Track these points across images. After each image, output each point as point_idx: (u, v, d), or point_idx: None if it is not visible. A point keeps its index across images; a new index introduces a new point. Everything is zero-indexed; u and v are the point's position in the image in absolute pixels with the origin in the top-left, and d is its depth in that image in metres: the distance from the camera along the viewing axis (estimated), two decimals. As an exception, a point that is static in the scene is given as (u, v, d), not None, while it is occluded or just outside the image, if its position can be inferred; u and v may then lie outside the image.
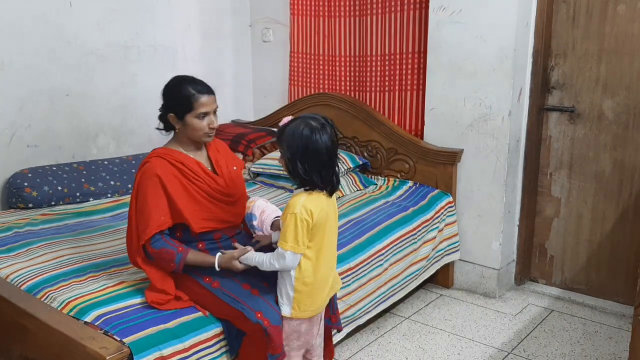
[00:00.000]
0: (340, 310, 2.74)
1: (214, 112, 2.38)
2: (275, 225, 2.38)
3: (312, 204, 2.10)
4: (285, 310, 2.20)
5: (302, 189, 2.16)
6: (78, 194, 3.48)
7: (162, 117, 2.42)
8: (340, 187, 3.59)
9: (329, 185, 2.15)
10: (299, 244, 2.10)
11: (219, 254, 2.32)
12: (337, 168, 2.18)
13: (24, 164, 3.48)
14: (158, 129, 2.46)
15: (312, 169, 2.10)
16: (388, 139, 3.85)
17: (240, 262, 2.27)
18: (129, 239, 2.36)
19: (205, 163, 2.45)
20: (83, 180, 3.53)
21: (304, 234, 2.10)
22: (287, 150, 2.12)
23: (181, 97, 2.32)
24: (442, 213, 3.53)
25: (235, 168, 2.56)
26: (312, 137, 2.07)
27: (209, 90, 2.37)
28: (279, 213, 2.43)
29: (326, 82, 4.31)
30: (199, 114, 2.32)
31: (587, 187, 3.49)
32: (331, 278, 2.30)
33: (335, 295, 2.44)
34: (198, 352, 2.17)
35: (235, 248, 2.35)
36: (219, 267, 2.29)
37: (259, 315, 2.16)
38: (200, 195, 2.36)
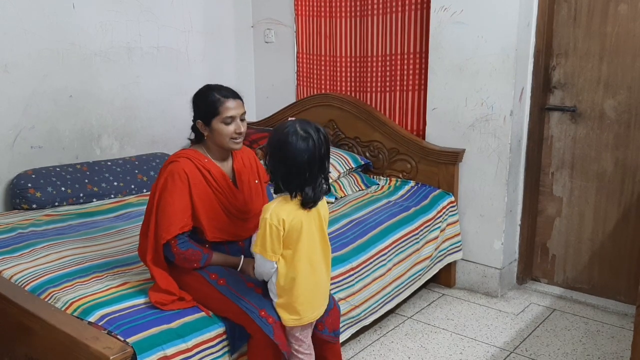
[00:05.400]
0: (344, 311, 2.75)
1: (241, 117, 2.37)
2: None
3: (285, 212, 2.09)
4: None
5: (280, 193, 2.15)
6: (81, 195, 3.50)
7: (193, 127, 2.43)
8: (342, 187, 3.64)
9: (295, 193, 2.11)
10: (266, 249, 2.11)
11: (243, 257, 2.41)
12: (317, 182, 2.11)
13: (28, 165, 3.50)
14: (190, 139, 2.48)
15: (277, 171, 2.11)
16: (390, 139, 3.85)
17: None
18: (143, 234, 2.38)
19: (228, 174, 2.46)
20: (86, 181, 3.54)
21: (272, 241, 2.09)
22: (266, 145, 2.17)
23: (207, 102, 2.33)
24: (444, 213, 3.54)
25: (257, 181, 2.56)
26: (287, 140, 2.07)
27: (234, 95, 2.36)
28: None
29: (328, 82, 4.32)
30: (225, 119, 2.32)
31: (589, 186, 3.49)
32: (319, 292, 2.27)
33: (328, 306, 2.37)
34: (201, 352, 2.18)
35: (242, 249, 2.45)
36: (240, 270, 2.39)
37: (262, 313, 2.18)
38: (219, 206, 2.38)
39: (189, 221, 2.31)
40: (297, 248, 2.15)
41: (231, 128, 2.34)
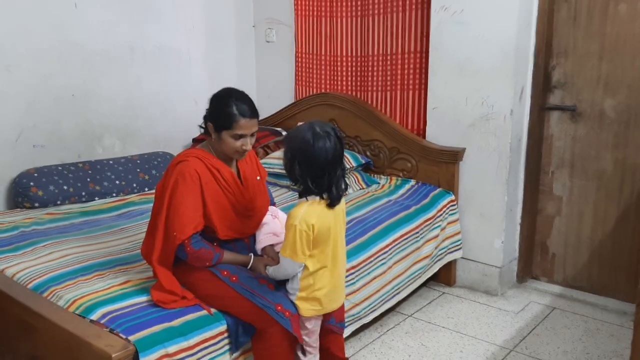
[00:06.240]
0: (345, 309, 2.76)
1: (252, 134, 2.37)
2: (265, 251, 2.48)
3: (313, 216, 2.13)
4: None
5: (304, 197, 2.19)
6: (84, 194, 3.51)
7: (205, 121, 2.42)
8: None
9: (324, 193, 2.16)
10: (297, 253, 2.15)
11: (252, 255, 2.44)
12: (339, 180, 2.17)
13: (30, 164, 3.51)
14: (200, 126, 2.47)
15: (306, 174, 2.13)
16: (390, 138, 3.87)
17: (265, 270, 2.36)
18: (149, 234, 2.39)
19: (234, 172, 2.48)
20: (89, 179, 3.56)
21: (302, 245, 2.14)
22: (287, 151, 2.18)
23: (223, 113, 2.31)
24: (444, 211, 3.55)
25: (258, 178, 2.58)
26: (311, 142, 2.10)
27: (252, 114, 2.34)
28: (272, 241, 2.50)
29: (329, 81, 4.33)
30: (235, 135, 2.32)
31: (589, 185, 3.50)
32: (340, 283, 2.34)
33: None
34: (203, 350, 2.20)
35: (248, 246, 2.50)
36: (250, 268, 2.41)
37: (279, 307, 2.21)
38: (228, 205, 2.40)
39: (201, 220, 2.32)
40: (325, 246, 2.20)
41: (238, 143, 2.34)
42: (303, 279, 2.23)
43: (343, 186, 2.22)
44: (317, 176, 2.13)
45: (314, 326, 2.32)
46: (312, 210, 2.15)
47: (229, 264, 2.39)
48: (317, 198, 2.17)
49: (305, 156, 2.12)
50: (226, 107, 2.31)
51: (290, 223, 2.14)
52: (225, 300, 2.31)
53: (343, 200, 2.29)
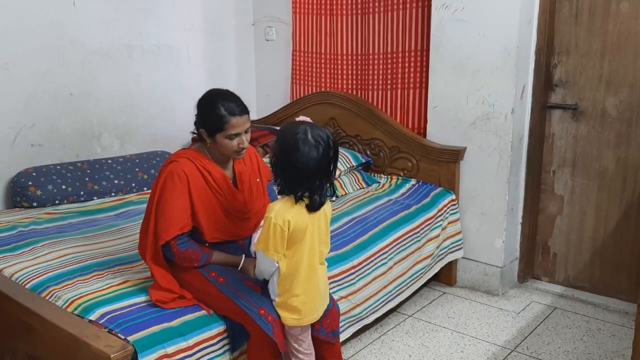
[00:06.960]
0: (346, 310, 2.74)
1: (246, 131, 2.34)
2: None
3: (290, 213, 2.09)
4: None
5: (284, 194, 2.15)
6: (82, 193, 3.50)
7: (197, 127, 2.39)
8: (343, 185, 3.64)
9: (300, 196, 2.10)
10: (268, 248, 2.10)
11: (244, 257, 2.41)
12: (322, 187, 2.11)
13: (29, 163, 3.49)
14: (193, 132, 2.44)
15: (283, 174, 2.09)
16: (391, 137, 3.85)
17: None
18: (143, 233, 2.38)
19: (229, 175, 2.45)
20: (87, 179, 3.54)
21: (275, 240, 2.09)
22: (274, 145, 2.15)
23: (213, 116, 2.28)
24: (445, 211, 3.54)
25: (258, 180, 2.55)
26: (297, 146, 2.04)
27: (241, 111, 2.30)
28: None
29: (329, 80, 4.31)
30: (230, 135, 2.29)
31: (591, 184, 3.48)
32: (320, 292, 2.27)
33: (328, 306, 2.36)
34: (201, 350, 2.18)
35: (242, 248, 2.46)
36: (240, 269, 2.38)
37: (261, 311, 2.18)
38: (218, 207, 2.38)
39: (188, 221, 2.30)
40: (300, 248, 2.15)
41: (235, 143, 2.31)
42: (279, 282, 2.19)
43: (328, 193, 2.17)
44: (294, 180, 2.08)
45: (300, 334, 2.27)
46: (290, 207, 2.11)
47: (220, 265, 2.37)
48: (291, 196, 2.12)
49: (287, 158, 2.07)
50: (214, 110, 2.27)
51: (266, 215, 2.10)
52: (214, 302, 2.29)
53: (329, 207, 2.25)
